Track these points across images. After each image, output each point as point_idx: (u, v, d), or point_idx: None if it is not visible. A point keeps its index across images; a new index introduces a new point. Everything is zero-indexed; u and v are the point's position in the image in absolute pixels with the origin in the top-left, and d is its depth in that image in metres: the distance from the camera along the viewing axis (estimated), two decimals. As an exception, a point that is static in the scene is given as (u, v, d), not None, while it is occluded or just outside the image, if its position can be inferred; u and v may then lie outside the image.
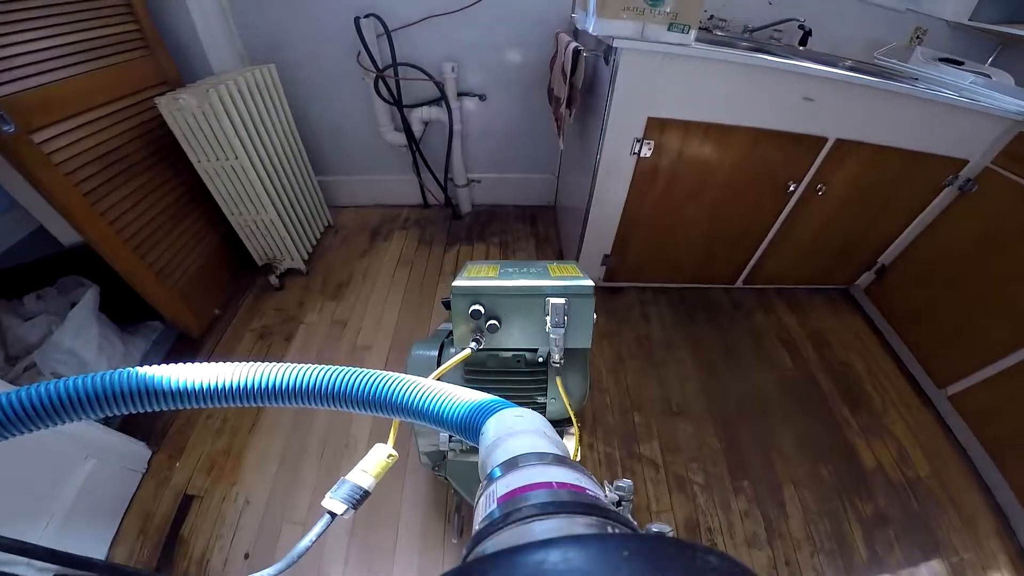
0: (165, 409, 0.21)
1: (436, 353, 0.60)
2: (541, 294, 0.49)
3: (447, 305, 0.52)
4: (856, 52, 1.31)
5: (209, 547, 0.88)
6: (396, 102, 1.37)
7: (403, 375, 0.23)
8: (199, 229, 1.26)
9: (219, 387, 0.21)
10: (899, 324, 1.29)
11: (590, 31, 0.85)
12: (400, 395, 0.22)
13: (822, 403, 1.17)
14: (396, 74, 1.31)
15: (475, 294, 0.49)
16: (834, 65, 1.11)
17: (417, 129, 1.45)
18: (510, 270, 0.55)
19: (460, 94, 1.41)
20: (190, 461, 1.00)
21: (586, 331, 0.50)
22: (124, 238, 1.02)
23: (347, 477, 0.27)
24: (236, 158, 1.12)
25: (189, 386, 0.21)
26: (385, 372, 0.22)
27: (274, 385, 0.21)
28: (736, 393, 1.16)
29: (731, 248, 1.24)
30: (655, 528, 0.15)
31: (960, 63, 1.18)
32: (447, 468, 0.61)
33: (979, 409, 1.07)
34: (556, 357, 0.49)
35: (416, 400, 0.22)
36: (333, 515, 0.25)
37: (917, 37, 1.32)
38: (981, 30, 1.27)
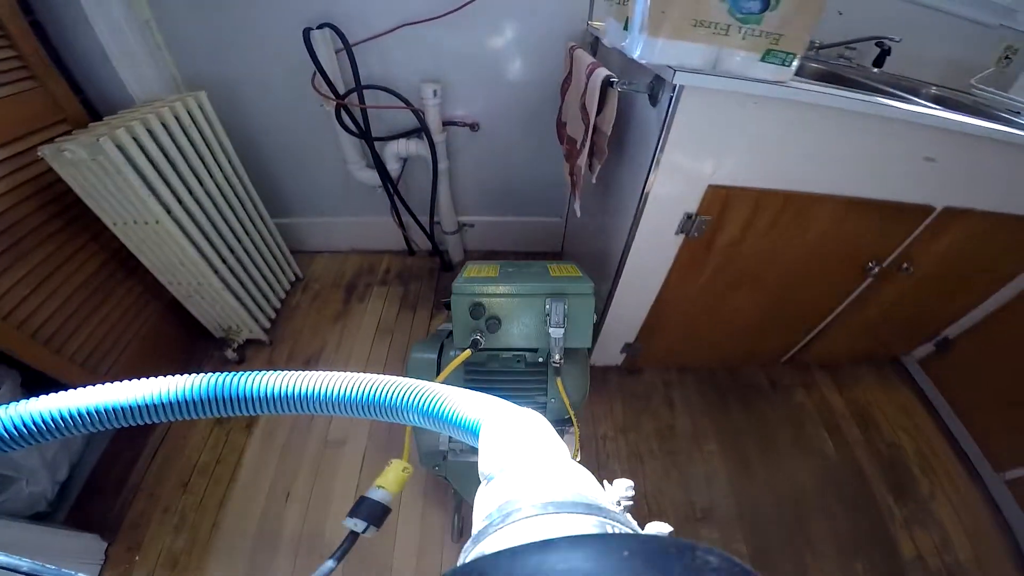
0: (172, 420, 0.18)
1: (435, 355, 0.55)
2: (541, 294, 0.47)
3: (447, 306, 0.49)
4: (938, 75, 0.97)
5: None
6: (364, 135, 1.00)
7: (399, 378, 0.20)
8: (137, 298, 0.95)
9: (218, 395, 0.18)
10: (958, 401, 1.02)
11: (634, 56, 0.51)
12: (396, 398, 0.20)
13: (864, 492, 0.94)
14: (361, 101, 0.94)
15: (475, 294, 0.47)
16: (918, 93, 0.78)
17: (393, 167, 1.09)
18: (510, 270, 0.53)
19: (446, 123, 1.05)
20: (150, 556, 0.78)
21: (586, 331, 0.48)
22: (30, 331, 0.72)
23: (365, 495, 0.25)
24: (157, 222, 0.78)
25: (187, 395, 0.18)
26: (381, 376, 0.20)
27: (269, 393, 0.19)
28: (769, 490, 0.92)
29: (781, 332, 0.96)
30: (655, 528, 0.13)
31: (1074, 93, 0.85)
32: (447, 468, 0.57)
33: None
34: (556, 357, 0.47)
35: (412, 402, 0.20)
36: (356, 535, 0.23)
37: (1006, 57, 0.97)
38: None
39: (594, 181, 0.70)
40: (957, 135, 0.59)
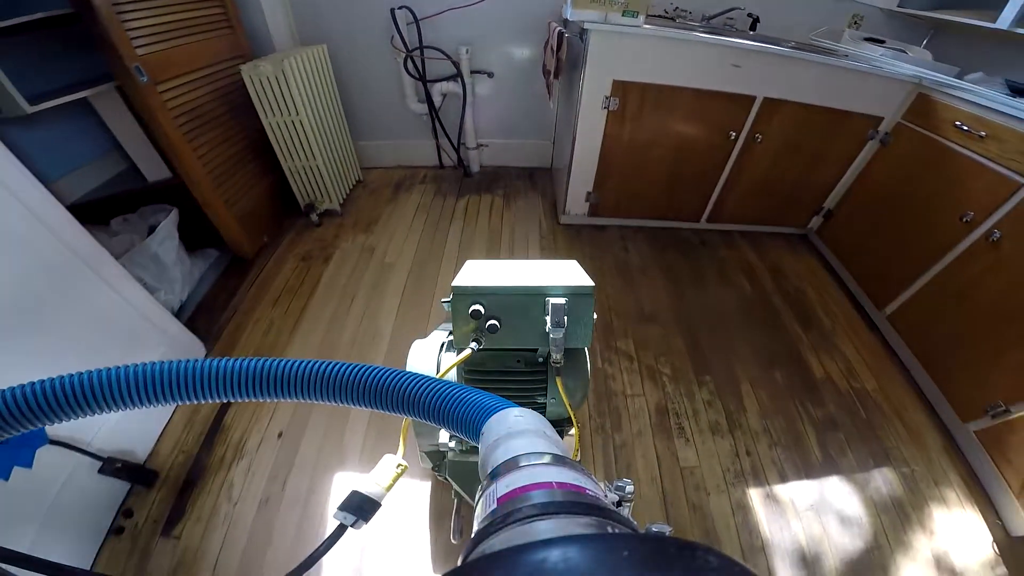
0: (182, 403, 0.24)
1: (436, 353, 0.64)
2: (541, 294, 0.53)
3: (447, 306, 0.55)
4: (800, 36, 1.78)
5: (247, 431, 1.08)
6: (421, 77, 1.88)
7: (405, 371, 0.26)
8: (256, 174, 1.69)
9: (221, 379, 0.24)
10: (845, 258, 1.68)
11: (569, 18, 1.34)
12: (402, 390, 0.24)
13: (776, 321, 1.49)
14: (422, 55, 1.82)
15: (475, 294, 0.53)
16: (778, 44, 1.58)
17: (436, 100, 1.94)
18: (510, 270, 0.59)
19: (473, 72, 1.90)
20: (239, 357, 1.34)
21: (586, 331, 0.54)
22: (207, 171, 1.44)
23: (358, 488, 0.29)
24: (297, 114, 1.58)
25: (199, 376, 0.23)
26: (387, 367, 0.25)
27: (272, 377, 0.24)
28: (700, 308, 1.51)
29: (693, 186, 1.66)
30: (655, 528, 0.16)
31: (882, 41, 1.63)
32: (447, 468, 0.65)
33: (912, 321, 1.35)
34: (556, 357, 0.54)
35: (418, 396, 0.24)
36: (344, 527, 0.27)
37: (855, 23, 1.78)
38: (912, 16, 1.72)
39: (558, 85, 1.50)
40: (748, 51, 1.29)
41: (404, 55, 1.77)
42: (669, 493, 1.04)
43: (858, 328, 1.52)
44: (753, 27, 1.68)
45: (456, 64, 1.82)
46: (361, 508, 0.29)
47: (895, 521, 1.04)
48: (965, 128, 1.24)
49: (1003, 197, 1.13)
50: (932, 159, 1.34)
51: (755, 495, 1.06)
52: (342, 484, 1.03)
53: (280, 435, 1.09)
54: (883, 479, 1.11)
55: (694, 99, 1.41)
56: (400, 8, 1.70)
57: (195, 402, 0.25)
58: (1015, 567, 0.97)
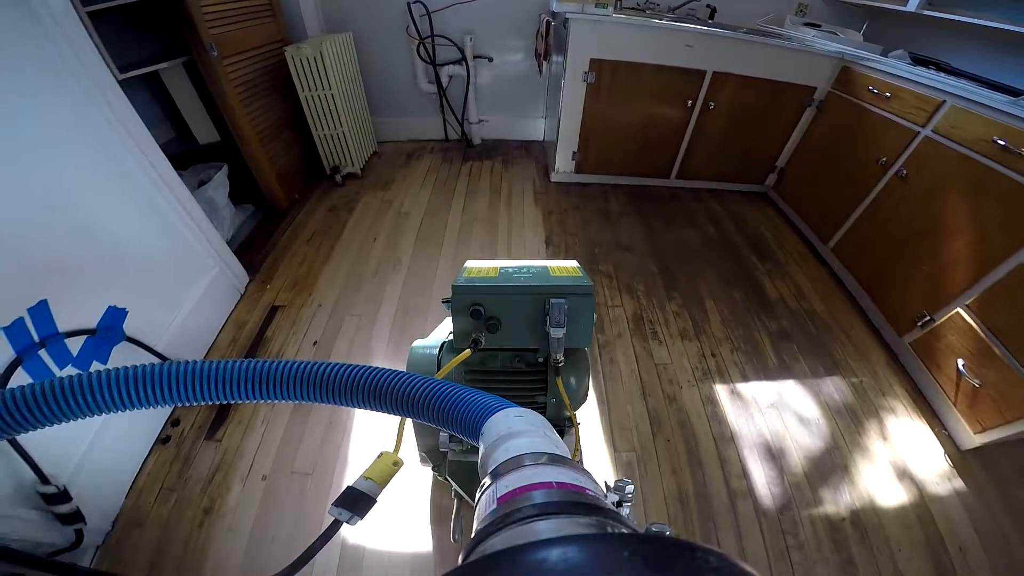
0: (186, 404, 0.24)
1: (436, 352, 0.66)
2: (541, 294, 0.54)
3: (447, 304, 0.56)
4: (752, 23, 2.17)
5: (286, 342, 1.27)
6: (431, 61, 2.26)
7: (404, 371, 0.27)
8: (290, 141, 2.02)
9: (220, 380, 0.24)
10: (797, 206, 2.02)
11: (554, 9, 1.71)
12: (402, 391, 0.25)
13: (736, 253, 1.82)
14: (432, 42, 2.20)
15: (475, 294, 0.54)
16: (728, 29, 1.95)
17: (444, 81, 2.32)
18: (510, 270, 0.60)
19: (475, 56, 2.28)
20: (277, 284, 1.50)
21: (586, 331, 0.56)
22: (256, 132, 1.79)
23: (353, 485, 0.31)
24: (329, 88, 1.93)
25: (198, 377, 0.25)
26: (387, 368, 0.26)
27: (276, 377, 0.25)
28: (670, 242, 1.84)
29: (660, 147, 2.02)
30: (655, 528, 0.16)
31: (818, 26, 2.01)
32: (447, 468, 0.66)
33: (851, 249, 1.67)
34: (556, 357, 0.55)
35: (417, 397, 0.25)
36: (339, 523, 0.29)
37: (800, 11, 2.18)
38: (846, 3, 2.12)
39: (547, 64, 1.89)
40: (698, 34, 1.67)
41: (417, 42, 2.15)
42: (647, 384, 1.26)
43: (808, 261, 1.83)
44: (712, 16, 2.06)
45: (461, 50, 2.19)
46: (356, 504, 0.31)
47: (849, 425, 1.19)
48: (875, 91, 1.60)
49: (906, 142, 1.47)
50: (855, 118, 1.70)
51: (721, 391, 1.24)
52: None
53: (315, 344, 1.32)
54: (835, 386, 1.27)
55: (656, 73, 1.78)
56: (415, 2, 2.08)
57: (193, 404, 0.26)
58: (971, 480, 1.08)
